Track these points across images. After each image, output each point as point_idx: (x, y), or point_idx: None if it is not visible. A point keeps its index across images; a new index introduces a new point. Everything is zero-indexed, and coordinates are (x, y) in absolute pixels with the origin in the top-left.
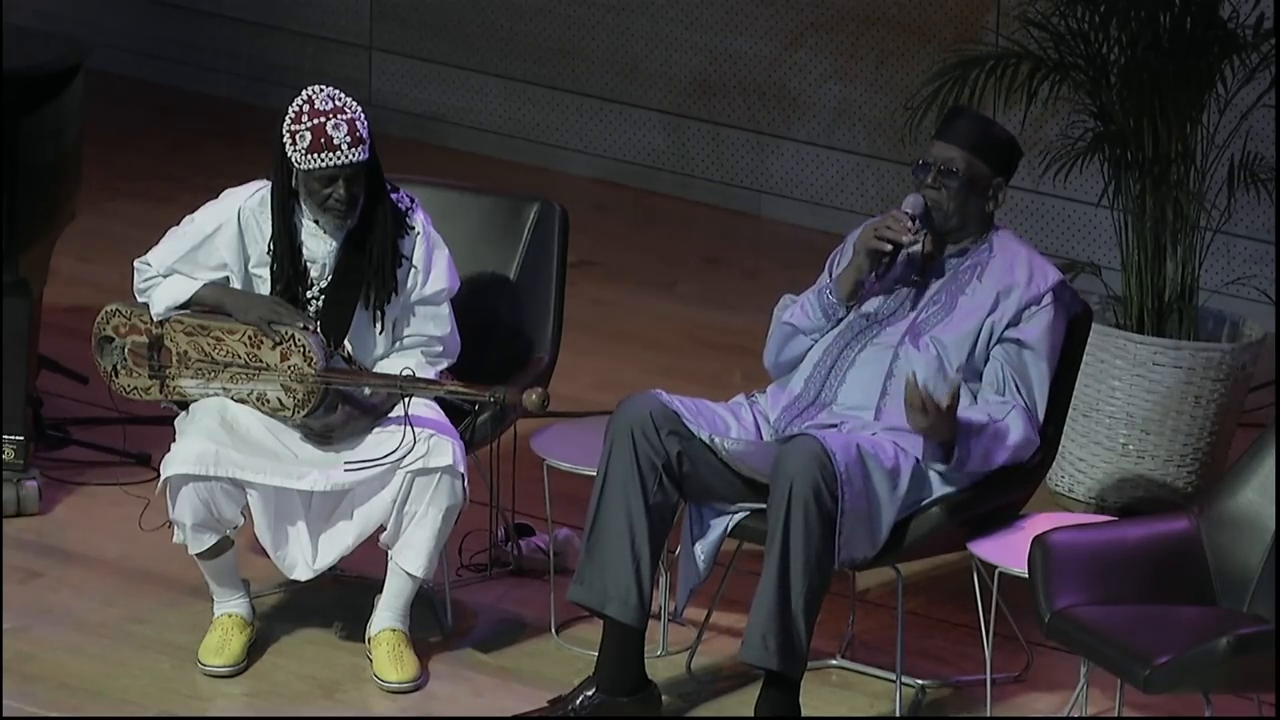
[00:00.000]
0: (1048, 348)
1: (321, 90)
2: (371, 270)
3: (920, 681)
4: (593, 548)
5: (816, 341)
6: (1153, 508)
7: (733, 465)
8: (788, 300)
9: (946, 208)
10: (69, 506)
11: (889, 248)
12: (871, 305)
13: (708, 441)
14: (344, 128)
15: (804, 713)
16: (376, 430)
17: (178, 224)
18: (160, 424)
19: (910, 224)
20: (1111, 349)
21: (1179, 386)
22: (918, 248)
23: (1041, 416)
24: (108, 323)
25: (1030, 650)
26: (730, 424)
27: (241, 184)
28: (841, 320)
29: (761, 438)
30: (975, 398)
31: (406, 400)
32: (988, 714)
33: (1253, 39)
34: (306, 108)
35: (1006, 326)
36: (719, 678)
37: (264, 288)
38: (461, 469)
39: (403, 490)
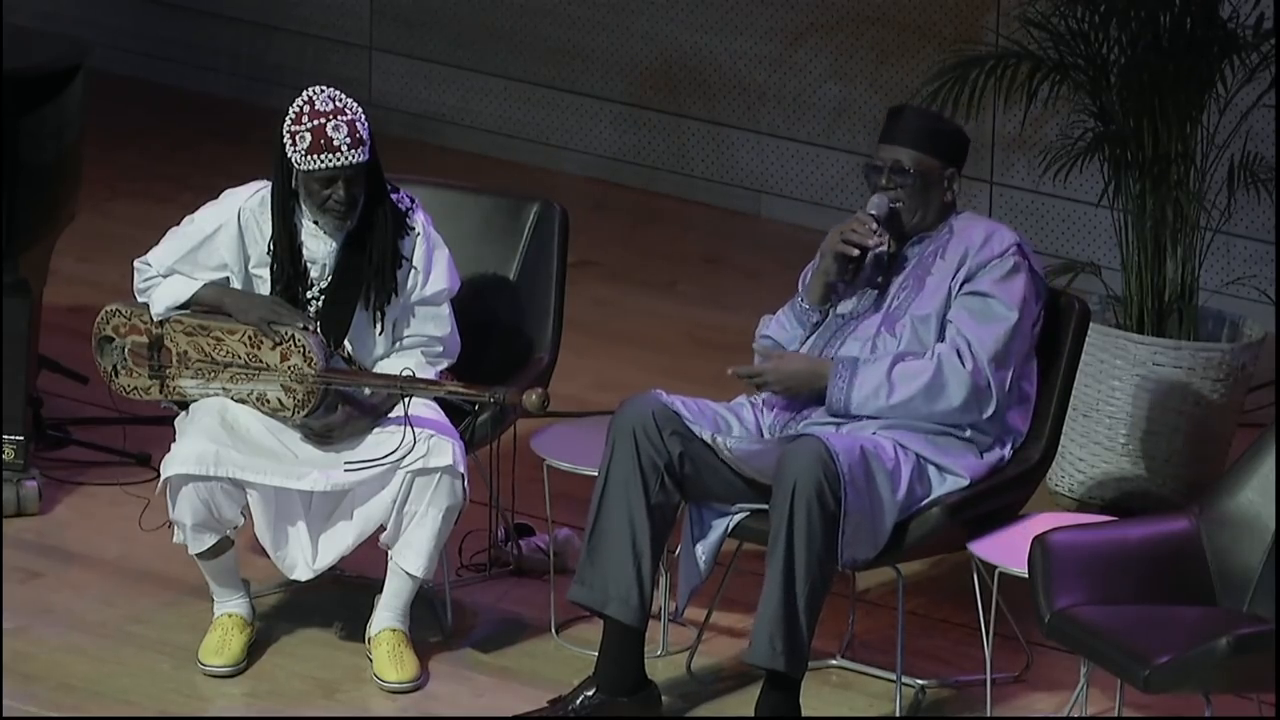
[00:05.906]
0: (1008, 294)
1: (322, 91)
2: (371, 271)
3: (920, 681)
4: (594, 548)
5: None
6: (1153, 508)
7: (735, 467)
8: (766, 319)
9: (906, 206)
10: (69, 506)
11: (855, 252)
12: (846, 306)
13: (709, 442)
14: (344, 129)
15: (804, 713)
16: (376, 430)
17: (178, 224)
18: (160, 424)
19: (875, 226)
20: (1111, 349)
21: (1179, 386)
22: (884, 249)
23: (990, 361)
24: (108, 323)
25: (1030, 650)
26: (731, 424)
27: (241, 184)
28: (818, 325)
29: (763, 435)
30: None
31: (406, 400)
32: (988, 714)
33: (1253, 39)
34: (307, 108)
35: (964, 283)
36: (719, 678)
37: (264, 288)
38: (461, 469)
39: (403, 490)
